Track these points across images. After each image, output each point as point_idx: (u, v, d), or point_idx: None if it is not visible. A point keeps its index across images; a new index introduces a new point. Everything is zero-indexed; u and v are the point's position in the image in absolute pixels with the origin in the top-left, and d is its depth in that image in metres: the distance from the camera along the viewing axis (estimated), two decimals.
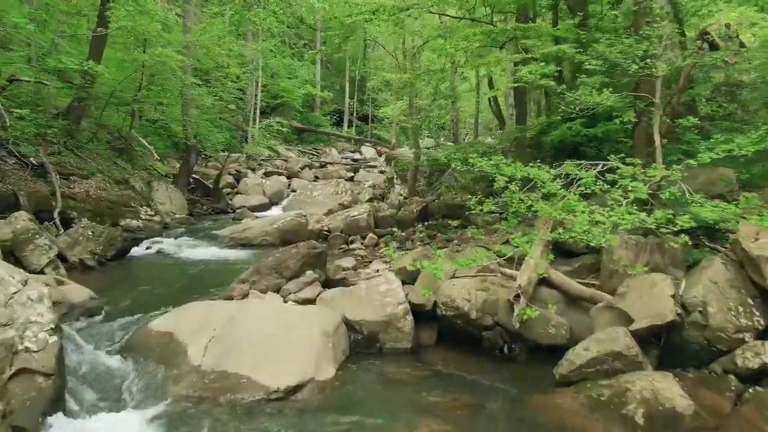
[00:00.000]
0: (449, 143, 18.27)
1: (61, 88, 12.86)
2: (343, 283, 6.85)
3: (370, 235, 10.84)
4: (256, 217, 13.87)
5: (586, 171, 4.58)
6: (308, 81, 29.80)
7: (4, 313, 4.27)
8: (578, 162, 4.73)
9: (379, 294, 5.76)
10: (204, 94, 15.74)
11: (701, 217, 3.76)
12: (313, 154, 26.71)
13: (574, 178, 4.54)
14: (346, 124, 32.32)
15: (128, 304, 6.67)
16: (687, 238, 4.07)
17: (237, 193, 18.06)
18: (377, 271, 7.27)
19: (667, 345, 4.72)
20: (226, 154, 19.11)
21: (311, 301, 6.30)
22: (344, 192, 16.47)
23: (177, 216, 13.70)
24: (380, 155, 26.72)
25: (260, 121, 24.34)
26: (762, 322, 4.54)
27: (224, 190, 17.47)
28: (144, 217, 11.88)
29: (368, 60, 33.10)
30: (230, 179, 18.88)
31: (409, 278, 6.35)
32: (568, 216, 3.82)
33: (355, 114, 33.27)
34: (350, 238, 11.02)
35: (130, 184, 12.91)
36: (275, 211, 16.06)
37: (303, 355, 4.80)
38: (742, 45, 9.34)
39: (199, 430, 3.97)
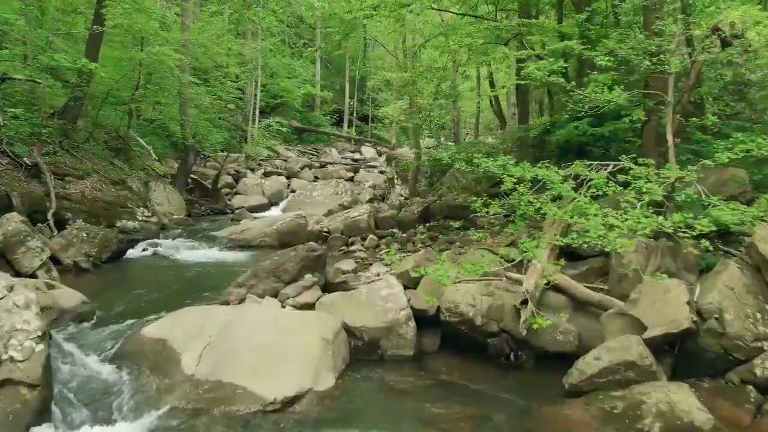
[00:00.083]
0: (450, 143, 18.06)
1: (58, 87, 12.68)
2: (343, 286, 6.65)
3: (371, 236, 10.65)
4: (255, 218, 13.67)
5: (597, 172, 4.38)
6: (308, 81, 29.60)
7: None
8: (588, 162, 4.53)
9: (380, 299, 5.57)
10: (202, 93, 15.53)
11: (722, 221, 3.57)
12: (312, 154, 26.52)
13: (584, 179, 4.34)
14: (346, 124, 32.13)
15: (122, 309, 6.47)
16: (708, 243, 3.88)
17: (236, 193, 17.87)
18: (378, 274, 7.08)
19: (681, 353, 4.52)
20: (225, 154, 18.93)
21: (310, 306, 6.11)
22: (344, 192, 16.28)
23: (175, 217, 13.50)
24: (380, 155, 26.53)
25: (260, 121, 24.15)
26: None
27: (223, 191, 17.29)
28: (140, 218, 11.68)
29: (368, 60, 32.91)
30: (229, 179, 18.69)
31: (410, 282, 6.15)
32: (580, 219, 3.63)
33: (355, 114, 33.07)
34: (350, 240, 10.83)
35: (127, 184, 12.71)
36: (274, 212, 15.87)
37: (301, 363, 4.61)
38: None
39: None
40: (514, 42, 7.61)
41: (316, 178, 21.09)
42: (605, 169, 4.46)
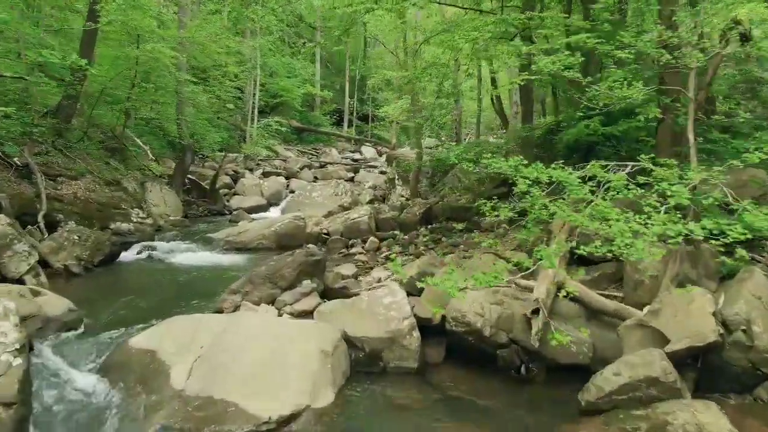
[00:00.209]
0: (452, 143, 17.76)
1: (53, 85, 12.38)
2: (343, 292, 6.35)
3: (371, 238, 10.37)
4: (253, 219, 13.37)
5: (614, 173, 4.09)
6: (308, 80, 29.31)
7: None
8: (604, 163, 4.24)
9: (382, 307, 5.27)
10: (199, 92, 15.23)
11: (755, 226, 3.28)
12: (312, 154, 26.21)
13: (601, 181, 4.05)
14: (346, 124, 31.82)
15: (111, 317, 6.18)
16: (745, 252, 3.59)
17: (234, 194, 17.56)
18: (379, 279, 6.79)
19: (705, 367, 4.23)
20: (224, 154, 18.64)
21: (308, 314, 5.81)
22: (344, 193, 15.96)
23: (171, 218, 13.20)
24: (380, 155, 26.22)
25: (259, 121, 23.85)
26: None
27: (221, 191, 16.99)
28: (135, 220, 11.37)
29: (368, 59, 32.62)
30: (227, 180, 18.37)
31: (413, 288, 5.85)
32: (601, 225, 3.34)
33: (355, 113, 32.77)
34: (350, 242, 10.56)
35: (122, 185, 12.40)
36: (273, 213, 15.57)
37: (299, 378, 4.31)
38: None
39: None
40: (521, 38, 7.30)
41: (316, 178, 20.77)
42: (623, 170, 4.17)
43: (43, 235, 8.73)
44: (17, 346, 4.05)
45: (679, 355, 4.02)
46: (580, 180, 3.93)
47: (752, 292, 4.26)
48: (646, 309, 5.00)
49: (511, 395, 4.68)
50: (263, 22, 21.52)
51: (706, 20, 4.67)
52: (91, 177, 11.55)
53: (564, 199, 4.11)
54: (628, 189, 3.81)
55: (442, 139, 20.27)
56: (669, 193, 3.55)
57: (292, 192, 17.92)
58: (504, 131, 18.34)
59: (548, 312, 4.85)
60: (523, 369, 4.85)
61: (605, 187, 4.01)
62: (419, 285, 4.41)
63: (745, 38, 5.45)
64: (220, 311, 5.86)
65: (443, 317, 5.19)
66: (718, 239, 3.37)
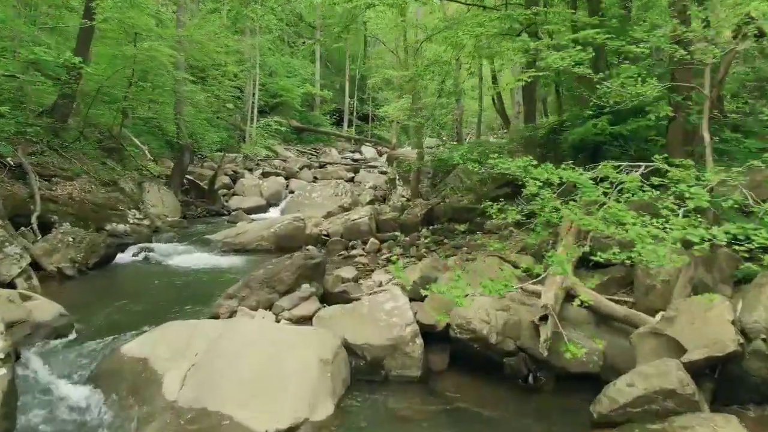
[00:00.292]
0: (453, 143, 17.56)
1: (48, 84, 12.18)
2: (343, 297, 6.16)
3: (372, 240, 10.18)
4: (252, 220, 13.19)
5: (626, 174, 3.91)
6: (307, 80, 29.12)
7: None
8: (616, 163, 4.05)
9: (384, 313, 5.08)
10: (197, 91, 15.03)
11: None
12: (312, 154, 26.01)
13: (613, 182, 3.86)
14: (346, 124, 31.61)
15: (104, 322, 5.98)
16: None
17: (233, 194, 17.36)
18: (380, 283, 6.59)
19: (722, 377, 4.03)
20: (222, 153, 18.45)
21: (307, 319, 5.62)
22: (344, 193, 15.75)
23: (169, 219, 13.01)
24: (381, 155, 26.03)
25: (258, 120, 23.65)
26: None
27: (220, 192, 16.79)
28: (132, 221, 11.18)
29: (368, 58, 32.42)
30: (226, 180, 18.17)
31: (416, 293, 5.65)
32: (617, 230, 3.15)
33: (355, 113, 32.56)
34: (351, 243, 10.37)
35: (119, 185, 12.20)
36: (273, 213, 15.38)
37: (297, 388, 4.12)
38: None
39: None
40: (526, 34, 7.10)
41: (316, 178, 20.57)
42: (636, 171, 3.98)
43: (37, 236, 8.54)
44: (1, 355, 3.86)
45: (697, 365, 3.82)
46: (592, 181, 3.73)
47: None
48: (658, 315, 4.82)
49: (519, 405, 4.49)
50: (263, 21, 21.34)
51: (720, 15, 4.47)
52: (87, 177, 11.35)
53: (574, 201, 3.91)
54: (643, 191, 3.62)
55: (443, 138, 20.08)
56: (687, 195, 3.35)
57: (292, 192, 17.73)
58: (505, 131, 18.16)
59: (557, 318, 4.66)
60: (530, 378, 4.66)
61: (618, 188, 3.82)
62: (423, 293, 4.20)
63: (761, 34, 5.26)
64: (216, 317, 5.67)
65: (447, 323, 4.99)
66: (741, 244, 3.18)
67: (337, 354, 4.60)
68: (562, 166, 3.98)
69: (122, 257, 9.30)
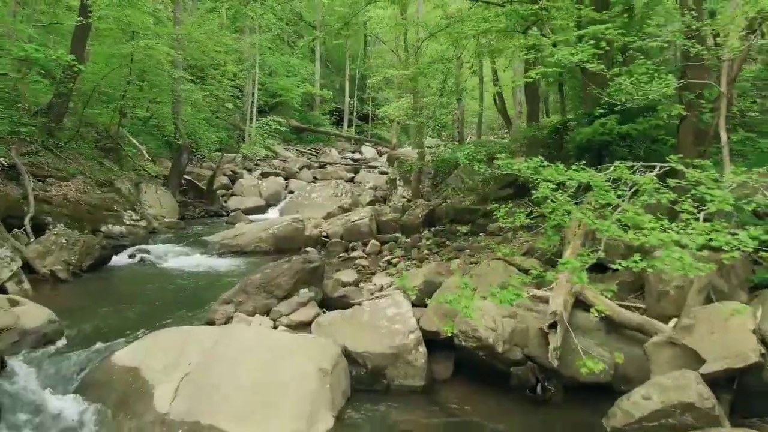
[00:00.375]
0: (454, 143, 17.37)
1: (45, 83, 12.00)
2: (343, 301, 5.96)
3: (372, 241, 9.99)
4: (251, 221, 13.00)
5: (641, 175, 3.71)
6: (307, 79, 28.92)
7: None
8: (630, 164, 3.86)
9: (386, 319, 4.88)
10: (194, 90, 14.83)
11: None
12: (312, 154, 25.80)
13: (627, 184, 3.66)
14: (346, 124, 31.40)
15: (95, 328, 5.77)
16: None
17: (232, 194, 17.17)
18: (382, 287, 6.39)
19: (741, 389, 3.83)
20: (221, 153, 18.25)
21: (306, 325, 5.43)
22: (344, 194, 15.56)
23: (166, 220, 12.81)
24: (381, 155, 25.83)
25: (258, 120, 23.44)
26: None
27: (218, 192, 16.60)
28: (128, 222, 10.97)
29: (368, 58, 32.22)
30: (225, 180, 17.98)
31: (419, 298, 5.46)
32: (636, 235, 2.95)
33: (355, 113, 32.36)
34: (351, 245, 10.17)
35: (115, 186, 12.00)
36: (272, 214, 15.20)
37: (295, 401, 3.92)
38: None
39: None
40: (534, 30, 6.90)
41: (315, 178, 20.37)
42: (650, 172, 3.79)
43: (30, 238, 8.35)
44: None
45: (716, 377, 3.63)
46: (609, 183, 3.53)
47: None
48: (672, 322, 4.63)
49: (526, 417, 4.30)
50: (262, 21, 21.15)
51: (737, 9, 4.28)
52: (83, 178, 11.15)
53: (589, 204, 3.72)
54: (660, 193, 3.42)
55: (443, 138, 19.90)
56: (709, 198, 3.16)
57: (291, 193, 17.55)
58: (506, 131, 17.97)
59: (566, 325, 4.47)
60: (539, 388, 4.46)
61: (633, 190, 3.62)
62: (433, 304, 4.00)
63: None
64: (211, 323, 5.47)
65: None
66: (765, 250, 2.99)
67: (336, 363, 4.40)
68: (573, 166, 3.78)
69: (118, 259, 9.12)
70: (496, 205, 4.63)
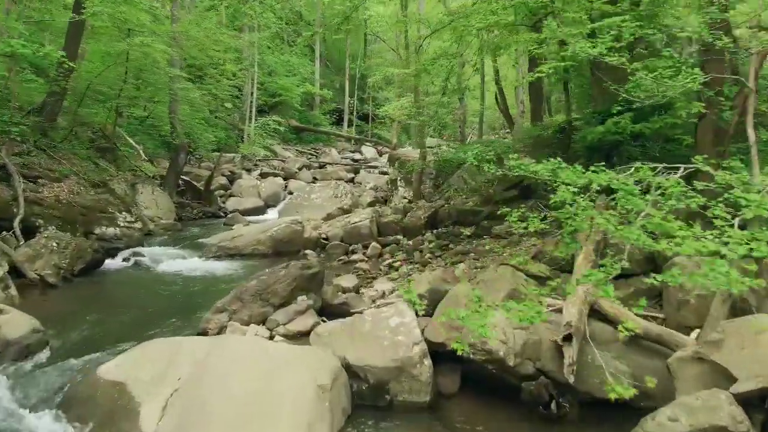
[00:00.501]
0: (456, 143, 17.09)
1: (40, 82, 11.72)
2: (342, 309, 5.69)
3: (373, 244, 9.72)
4: (249, 223, 12.73)
5: (665, 177, 3.44)
6: (307, 79, 28.64)
7: None
8: (653, 165, 3.58)
9: (388, 330, 4.60)
10: (191, 89, 14.55)
11: None
12: (311, 154, 25.51)
13: (651, 187, 3.39)
14: (346, 123, 31.11)
15: (82, 337, 5.51)
16: None
17: (230, 195, 16.89)
18: (384, 294, 6.11)
19: None
20: (219, 153, 17.97)
21: (304, 335, 5.16)
22: (344, 195, 15.26)
23: (163, 221, 12.53)
24: (381, 155, 25.55)
25: (257, 120, 23.16)
26: None
27: (216, 193, 16.34)
28: (122, 224, 10.67)
29: (369, 57, 31.94)
30: (224, 180, 17.71)
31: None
32: (669, 245, 2.68)
33: (355, 113, 32.07)
34: (351, 248, 9.91)
35: (110, 187, 11.70)
36: (271, 215, 14.93)
37: (291, 420, 3.64)
38: None
39: None
40: (544, 22, 6.62)
41: (315, 179, 20.08)
42: (675, 174, 3.51)
43: (19, 241, 8.06)
44: None
45: (748, 396, 3.35)
46: (638, 188, 3.24)
47: None
48: (693, 333, 4.35)
49: None
50: (261, 19, 20.88)
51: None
52: (76, 179, 10.86)
53: (612, 209, 3.44)
54: (687, 197, 3.14)
55: (445, 138, 19.63)
56: (744, 202, 2.88)
57: (291, 193, 17.27)
58: (507, 131, 17.69)
59: (582, 337, 4.19)
60: (552, 404, 4.17)
61: (657, 193, 3.34)
62: (443, 319, 3.72)
63: None
64: (203, 333, 5.19)
65: (458, 341, 4.50)
66: None
67: (336, 378, 4.12)
68: (592, 168, 3.50)
69: (111, 263, 8.85)
70: (507, 209, 4.34)
